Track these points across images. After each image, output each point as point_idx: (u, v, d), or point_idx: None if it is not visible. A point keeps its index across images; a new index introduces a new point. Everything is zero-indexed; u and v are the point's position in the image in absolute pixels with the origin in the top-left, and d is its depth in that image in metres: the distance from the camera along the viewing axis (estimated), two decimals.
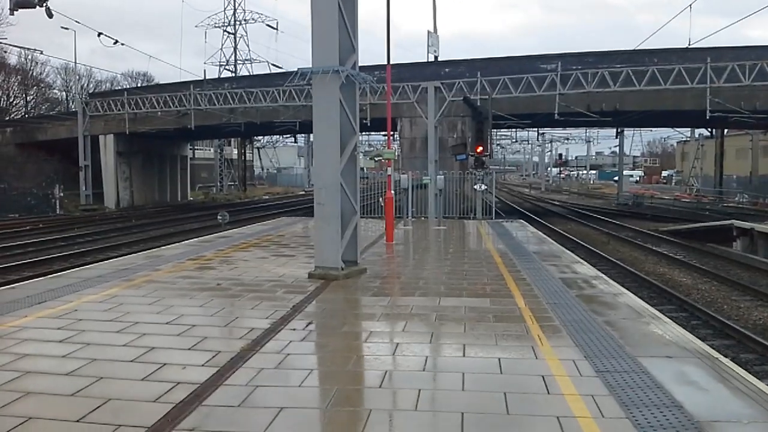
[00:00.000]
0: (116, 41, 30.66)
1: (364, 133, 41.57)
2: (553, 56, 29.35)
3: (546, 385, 4.90)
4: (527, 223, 20.97)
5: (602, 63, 27.72)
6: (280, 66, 59.42)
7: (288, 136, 56.93)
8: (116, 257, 14.21)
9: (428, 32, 27.19)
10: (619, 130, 46.95)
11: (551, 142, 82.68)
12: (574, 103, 27.06)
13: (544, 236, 17.29)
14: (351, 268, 9.86)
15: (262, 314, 7.29)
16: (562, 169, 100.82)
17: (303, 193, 63.37)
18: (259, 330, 6.51)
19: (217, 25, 62.56)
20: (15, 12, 17.24)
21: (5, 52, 50.40)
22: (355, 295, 8.68)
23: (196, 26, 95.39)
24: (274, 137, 66.03)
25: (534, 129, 53.59)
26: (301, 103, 30.35)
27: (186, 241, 15.85)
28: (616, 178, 58.62)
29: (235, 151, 64.32)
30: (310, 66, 9.48)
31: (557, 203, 48.04)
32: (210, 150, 65.49)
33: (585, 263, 12.00)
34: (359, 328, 6.96)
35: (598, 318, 7.05)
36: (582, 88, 25.94)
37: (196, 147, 63.32)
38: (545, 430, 4.12)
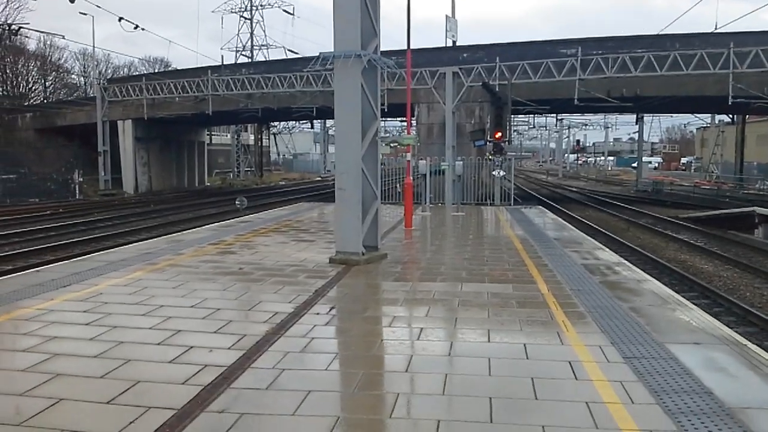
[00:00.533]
0: (137, 26, 30.76)
1: (380, 118, 41.30)
2: (573, 41, 28.97)
3: (573, 371, 4.87)
4: (546, 210, 20.86)
5: (623, 48, 27.32)
6: (296, 51, 59.32)
7: (304, 122, 56.95)
8: (136, 242, 14.31)
9: (446, 17, 27.03)
10: (639, 116, 46.36)
11: (569, 128, 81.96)
12: (594, 88, 26.73)
13: (564, 222, 17.19)
14: (372, 253, 9.86)
15: (285, 298, 7.32)
16: (579, 155, 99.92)
17: (319, 179, 63.48)
18: (282, 314, 6.54)
19: (233, 10, 62.51)
20: None
21: (27, 37, 50.72)
22: (376, 281, 8.69)
23: (212, 11, 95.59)
24: (290, 123, 66.05)
25: (552, 115, 53.09)
26: (318, 88, 30.26)
27: (206, 226, 15.96)
28: (635, 164, 58.00)
29: (252, 137, 64.41)
30: (331, 50, 9.44)
31: (575, 190, 47.68)
32: (227, 136, 65.63)
33: (607, 249, 11.91)
34: (382, 313, 6.97)
35: (623, 304, 6.99)
36: (602, 73, 25.61)
37: (213, 133, 63.53)
38: (575, 416, 4.09)
